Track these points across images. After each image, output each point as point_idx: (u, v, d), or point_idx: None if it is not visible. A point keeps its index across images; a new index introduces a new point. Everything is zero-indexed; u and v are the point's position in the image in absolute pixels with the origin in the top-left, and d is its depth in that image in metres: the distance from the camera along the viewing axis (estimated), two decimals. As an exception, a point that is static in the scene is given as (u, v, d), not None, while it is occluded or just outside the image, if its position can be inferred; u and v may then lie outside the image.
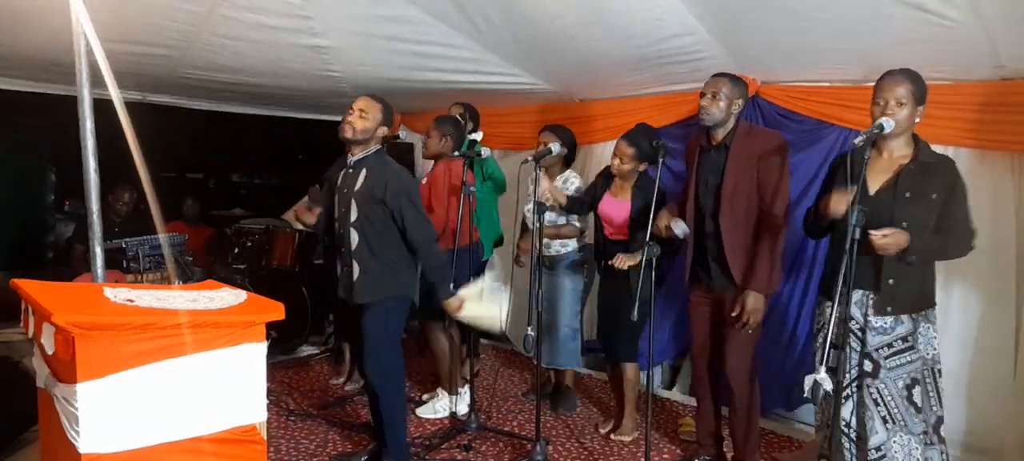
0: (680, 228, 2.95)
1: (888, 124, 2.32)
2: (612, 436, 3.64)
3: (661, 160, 2.94)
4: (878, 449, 2.47)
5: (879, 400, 2.47)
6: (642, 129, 3.43)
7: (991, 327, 3.12)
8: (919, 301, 2.46)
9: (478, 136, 4.16)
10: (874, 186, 2.47)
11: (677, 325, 4.13)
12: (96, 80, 2.54)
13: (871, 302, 2.47)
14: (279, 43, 3.81)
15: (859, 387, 2.49)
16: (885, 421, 2.46)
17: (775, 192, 2.82)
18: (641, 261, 2.87)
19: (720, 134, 2.92)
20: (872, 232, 2.27)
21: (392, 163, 3.06)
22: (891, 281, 2.42)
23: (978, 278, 3.09)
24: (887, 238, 2.28)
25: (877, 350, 2.46)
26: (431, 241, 3.00)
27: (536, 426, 3.30)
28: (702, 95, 2.88)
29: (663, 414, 4.01)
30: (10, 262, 5.13)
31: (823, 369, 2.20)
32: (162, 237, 4.17)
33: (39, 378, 2.20)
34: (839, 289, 2.20)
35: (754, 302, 2.82)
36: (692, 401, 3.68)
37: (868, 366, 2.47)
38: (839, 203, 2.37)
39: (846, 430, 2.54)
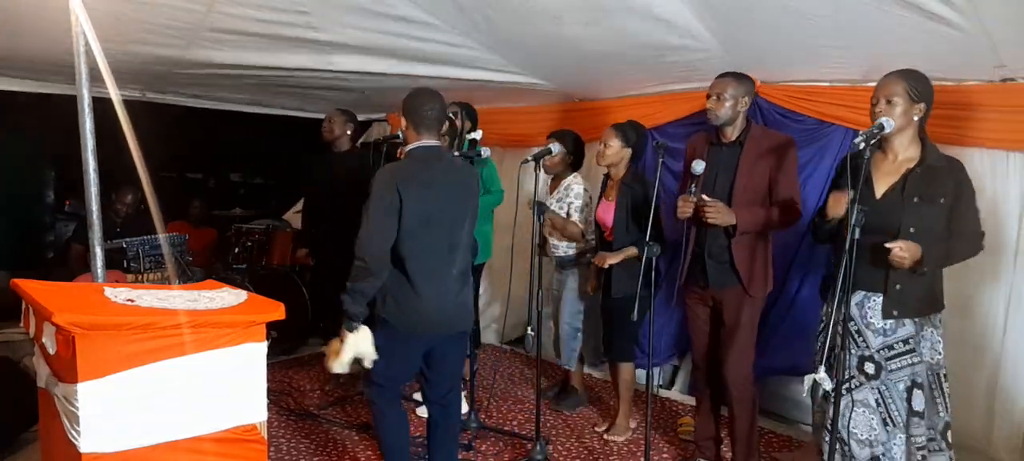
0: (699, 166, 2.84)
1: (888, 124, 2.32)
2: (606, 436, 3.65)
3: (661, 160, 2.94)
4: (875, 446, 2.46)
5: (880, 402, 2.46)
6: (631, 122, 3.49)
7: (982, 325, 3.13)
8: (926, 305, 2.45)
9: (477, 135, 4.14)
10: (880, 189, 2.45)
11: (680, 326, 4.13)
12: (95, 79, 2.54)
13: (876, 305, 2.45)
14: (278, 40, 3.81)
15: (850, 389, 2.49)
16: (886, 423, 2.45)
17: (788, 187, 2.85)
18: (641, 257, 2.87)
19: (730, 132, 2.93)
20: (889, 244, 2.27)
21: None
22: (898, 286, 2.40)
23: (975, 276, 3.08)
24: (903, 252, 2.26)
25: (879, 351, 2.45)
26: None
27: (536, 425, 3.30)
28: (708, 97, 2.91)
29: (662, 413, 4.01)
30: (10, 262, 5.14)
31: (822, 369, 2.20)
32: (162, 237, 4.16)
33: (40, 378, 2.20)
34: (838, 290, 2.20)
35: (726, 213, 2.82)
36: (691, 400, 3.69)
37: (871, 368, 2.46)
38: (838, 205, 2.38)
39: (841, 430, 2.54)
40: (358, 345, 2.55)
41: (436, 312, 2.63)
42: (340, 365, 2.57)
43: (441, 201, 2.60)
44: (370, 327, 2.63)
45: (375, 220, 2.49)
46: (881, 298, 2.44)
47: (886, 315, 2.43)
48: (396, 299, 2.58)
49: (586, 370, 4.24)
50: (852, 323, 2.49)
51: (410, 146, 2.67)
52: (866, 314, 2.47)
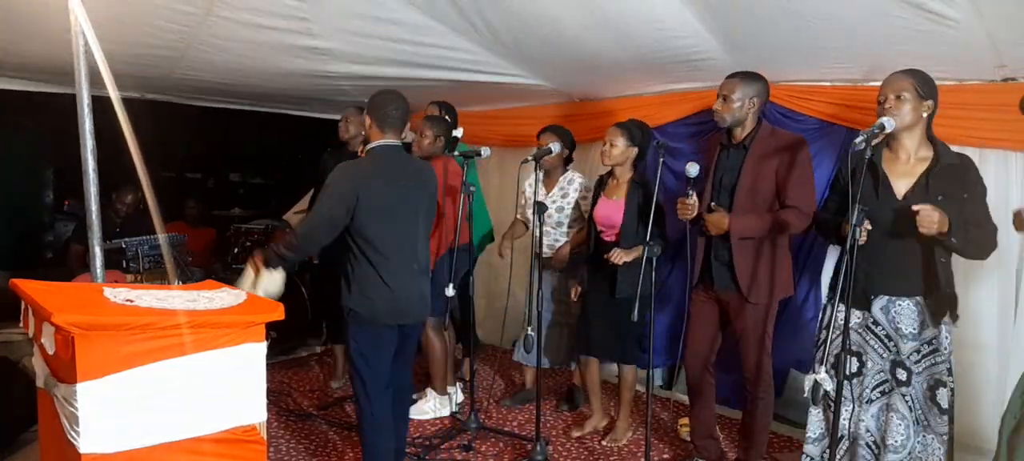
0: (693, 169, 2.86)
1: (889, 123, 2.31)
2: (604, 441, 3.63)
3: (661, 160, 2.93)
4: (906, 449, 2.47)
5: (911, 406, 2.46)
6: (635, 121, 3.48)
7: (985, 327, 3.12)
8: (953, 309, 2.44)
9: (459, 132, 4.15)
10: (901, 190, 2.43)
11: (678, 328, 4.11)
12: (94, 80, 2.54)
13: (904, 309, 2.43)
14: (277, 45, 3.80)
15: (884, 394, 2.48)
16: (917, 423, 2.46)
17: (799, 189, 2.79)
18: (642, 257, 2.87)
19: (739, 133, 2.91)
20: (916, 207, 2.22)
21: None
22: (946, 288, 2.36)
23: (977, 276, 3.08)
24: (933, 212, 2.20)
25: (909, 357, 2.44)
26: None
27: (536, 426, 3.30)
28: (716, 97, 2.90)
29: (663, 414, 4.01)
30: (9, 262, 5.13)
31: (823, 369, 2.19)
32: (161, 237, 4.15)
33: (39, 378, 2.19)
34: (843, 291, 2.19)
35: (718, 218, 2.82)
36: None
37: (903, 374, 2.45)
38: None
39: (866, 435, 2.55)
40: (274, 278, 2.63)
41: (402, 302, 2.74)
42: (249, 285, 2.63)
43: (401, 198, 2.71)
44: (341, 326, 2.79)
45: (324, 209, 2.62)
46: (907, 302, 2.42)
47: (936, 323, 2.40)
48: (363, 290, 2.68)
49: (574, 367, 4.20)
50: (880, 328, 2.48)
51: (372, 145, 2.78)
52: (894, 319, 2.45)
